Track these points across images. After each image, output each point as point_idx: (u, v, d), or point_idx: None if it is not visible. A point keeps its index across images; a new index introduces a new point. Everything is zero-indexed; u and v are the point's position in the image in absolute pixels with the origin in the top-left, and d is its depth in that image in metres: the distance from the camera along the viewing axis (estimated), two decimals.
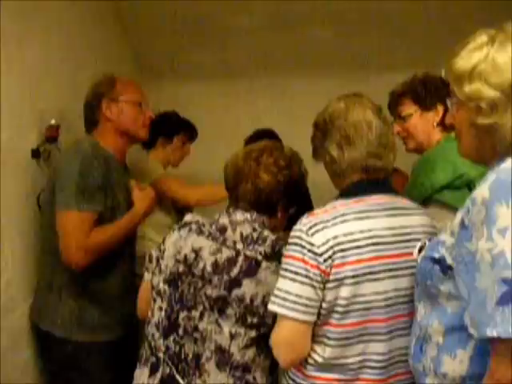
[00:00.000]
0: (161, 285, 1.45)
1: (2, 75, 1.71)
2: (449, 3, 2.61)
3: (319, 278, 1.19)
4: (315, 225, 1.21)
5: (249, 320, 1.37)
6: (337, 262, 1.18)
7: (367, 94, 2.41)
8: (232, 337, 1.38)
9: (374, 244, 1.21)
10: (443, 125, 1.77)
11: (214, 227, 1.44)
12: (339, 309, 1.20)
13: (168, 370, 1.41)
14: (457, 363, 1.01)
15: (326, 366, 1.24)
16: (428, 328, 1.07)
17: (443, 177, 1.68)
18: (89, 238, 1.70)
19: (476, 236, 0.90)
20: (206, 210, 1.92)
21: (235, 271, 1.38)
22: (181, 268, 1.42)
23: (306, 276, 1.19)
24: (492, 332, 0.86)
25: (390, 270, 1.23)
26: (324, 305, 1.20)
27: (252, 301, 1.36)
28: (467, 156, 1.13)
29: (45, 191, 1.85)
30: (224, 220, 1.45)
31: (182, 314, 1.41)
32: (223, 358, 1.38)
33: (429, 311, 1.09)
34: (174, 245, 1.45)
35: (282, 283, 1.22)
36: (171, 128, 2.51)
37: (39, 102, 1.93)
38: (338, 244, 1.19)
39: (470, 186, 1.69)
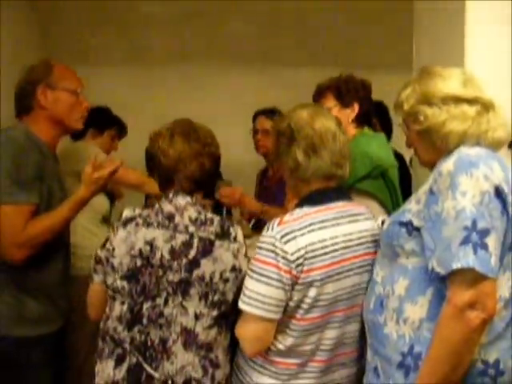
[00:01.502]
0: (118, 282, 1.48)
1: None
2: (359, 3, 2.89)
3: (290, 282, 1.34)
4: (287, 234, 1.36)
5: (210, 298, 1.48)
6: (306, 267, 1.35)
7: (279, 87, 2.59)
8: (196, 317, 1.48)
9: (336, 250, 1.40)
10: (357, 122, 2.04)
11: (160, 216, 1.49)
12: (304, 306, 1.38)
13: (134, 360, 1.47)
14: (417, 308, 1.26)
15: (286, 353, 1.42)
16: (393, 284, 1.31)
17: (362, 169, 1.91)
18: (25, 232, 1.65)
19: (442, 199, 1.20)
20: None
21: (192, 253, 1.47)
22: (139, 262, 1.46)
23: (279, 280, 1.34)
24: (456, 265, 1.13)
25: (349, 270, 1.42)
26: (291, 303, 1.37)
27: (211, 278, 1.48)
28: (425, 164, 1.43)
29: None
30: (168, 207, 1.51)
31: (146, 305, 1.47)
32: (189, 338, 1.48)
33: (389, 272, 1.34)
34: (124, 242, 1.47)
35: (254, 285, 1.36)
36: (104, 121, 2.51)
37: None
38: (308, 252, 1.35)
39: (383, 175, 1.98)
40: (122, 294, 1.48)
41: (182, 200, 1.52)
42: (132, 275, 1.46)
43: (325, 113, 1.52)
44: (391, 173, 2.01)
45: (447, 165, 1.22)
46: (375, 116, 2.63)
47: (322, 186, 1.45)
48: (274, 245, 1.35)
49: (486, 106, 1.31)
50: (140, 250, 1.46)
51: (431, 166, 1.37)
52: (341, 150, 1.46)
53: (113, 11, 2.85)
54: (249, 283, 1.37)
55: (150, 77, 3.20)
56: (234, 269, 1.49)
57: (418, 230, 1.27)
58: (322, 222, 1.40)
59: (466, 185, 1.17)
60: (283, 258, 1.34)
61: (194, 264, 1.47)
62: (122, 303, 1.48)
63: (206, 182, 1.58)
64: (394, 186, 2.02)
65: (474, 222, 1.14)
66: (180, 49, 3.13)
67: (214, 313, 1.49)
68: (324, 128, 1.45)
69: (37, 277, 1.77)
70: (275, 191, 2.63)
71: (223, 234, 1.50)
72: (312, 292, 1.36)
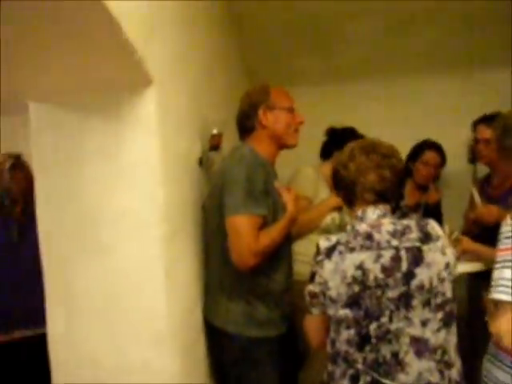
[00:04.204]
0: (340, 312, 1.50)
1: (175, 93, 1.83)
2: None
3: None
4: None
5: (433, 302, 1.47)
6: None
7: (471, 91, 2.44)
8: (423, 324, 1.47)
9: None
10: None
11: (359, 238, 1.50)
12: None
13: (369, 378, 1.49)
14: None
15: None
16: None
17: None
18: (258, 241, 1.78)
19: None
20: None
21: (404, 265, 1.46)
22: (356, 288, 1.47)
23: None
24: None
25: None
26: None
27: (431, 283, 1.46)
28: None
29: (210, 197, 1.97)
30: (362, 227, 1.52)
31: (372, 326, 1.48)
32: (420, 346, 1.47)
33: None
34: (335, 273, 1.50)
35: (505, 273, 1.35)
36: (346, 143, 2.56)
37: (203, 112, 2.05)
38: None
39: None
40: (346, 321, 1.50)
41: (372, 214, 1.54)
42: (353, 302, 1.49)
43: None
44: None
45: None
46: None
47: None
48: None
49: None
50: (353, 277, 1.48)
51: None
52: None
53: (312, 32, 2.98)
54: (498, 273, 1.39)
55: (342, 92, 3.28)
56: (447, 266, 1.50)
57: None
58: None
59: None
60: None
61: (409, 276, 1.46)
62: (348, 327, 1.51)
63: (388, 194, 1.58)
64: None
65: None
66: (378, 62, 3.15)
67: (440, 315, 1.48)
68: None
69: (266, 284, 1.92)
70: (501, 200, 2.49)
71: (426, 237, 1.49)
72: None
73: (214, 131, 2.04)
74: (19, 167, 2.45)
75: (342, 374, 1.53)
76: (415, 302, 1.46)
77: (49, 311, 1.65)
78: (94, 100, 1.56)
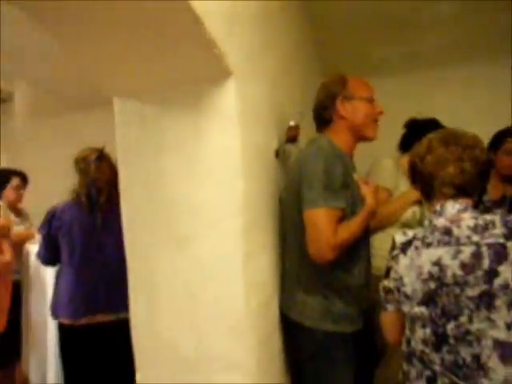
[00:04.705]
0: (415, 309, 1.46)
1: (253, 86, 1.83)
2: None
3: None
4: None
5: None
6: None
7: None
8: (509, 328, 1.36)
9: None
10: None
11: (436, 233, 1.43)
12: None
13: (447, 381, 1.42)
14: None
15: None
16: None
17: None
18: (336, 235, 1.74)
19: None
20: None
21: (486, 263, 1.37)
22: (432, 285, 1.42)
23: None
24: None
25: None
26: None
27: None
28: None
29: (287, 190, 1.95)
30: (440, 221, 1.44)
31: (450, 325, 1.41)
32: (505, 350, 1.37)
33: None
34: (410, 269, 1.45)
35: None
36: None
37: (281, 104, 2.04)
38: None
39: None
40: (422, 319, 1.45)
41: (451, 209, 1.46)
42: (429, 299, 1.44)
43: None
44: None
45: None
46: None
47: None
48: None
49: None
50: (429, 273, 1.42)
51: None
52: None
53: (388, 22, 2.88)
54: None
55: (430, 81, 3.15)
56: None
57: None
58: None
59: None
60: None
61: (492, 273, 1.37)
62: (423, 326, 1.46)
63: (468, 188, 1.49)
64: None
65: None
66: (455, 49, 2.99)
67: None
68: None
69: (345, 278, 1.88)
70: None
71: (511, 233, 1.37)
72: None
73: (291, 123, 2.02)
74: (104, 159, 2.57)
75: (419, 375, 1.48)
76: (498, 303, 1.37)
77: (131, 298, 1.72)
78: (176, 93, 1.59)
